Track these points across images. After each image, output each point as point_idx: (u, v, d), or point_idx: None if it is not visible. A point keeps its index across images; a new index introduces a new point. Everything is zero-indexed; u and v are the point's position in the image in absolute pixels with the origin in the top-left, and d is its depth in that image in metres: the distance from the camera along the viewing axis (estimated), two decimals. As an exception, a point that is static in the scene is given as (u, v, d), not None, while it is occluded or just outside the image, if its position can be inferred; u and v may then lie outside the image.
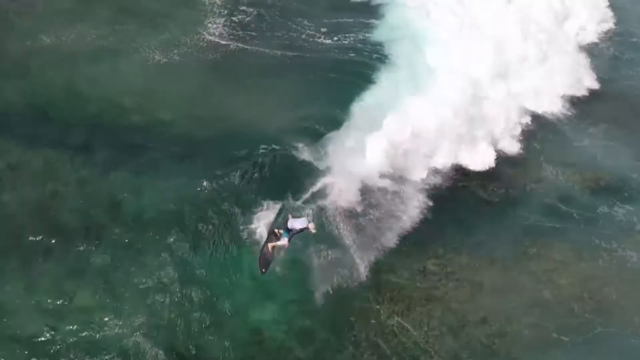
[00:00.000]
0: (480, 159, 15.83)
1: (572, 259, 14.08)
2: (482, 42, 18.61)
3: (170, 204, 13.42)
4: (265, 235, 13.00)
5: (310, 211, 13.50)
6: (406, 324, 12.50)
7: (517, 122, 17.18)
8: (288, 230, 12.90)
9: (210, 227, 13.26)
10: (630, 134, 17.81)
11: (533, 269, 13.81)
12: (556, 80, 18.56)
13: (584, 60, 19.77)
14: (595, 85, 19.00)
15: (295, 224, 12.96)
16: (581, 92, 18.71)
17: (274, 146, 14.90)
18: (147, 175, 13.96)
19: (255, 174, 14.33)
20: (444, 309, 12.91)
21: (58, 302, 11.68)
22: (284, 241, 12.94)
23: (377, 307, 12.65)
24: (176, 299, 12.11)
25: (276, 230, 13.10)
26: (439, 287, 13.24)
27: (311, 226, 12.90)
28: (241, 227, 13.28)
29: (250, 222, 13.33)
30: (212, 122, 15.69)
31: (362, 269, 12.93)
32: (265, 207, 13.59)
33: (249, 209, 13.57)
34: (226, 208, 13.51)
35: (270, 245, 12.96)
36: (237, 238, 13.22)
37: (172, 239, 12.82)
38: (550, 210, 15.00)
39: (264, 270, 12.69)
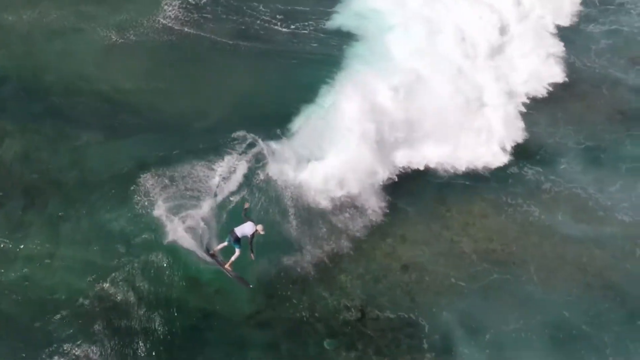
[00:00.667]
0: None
1: (487, 214, 15.78)
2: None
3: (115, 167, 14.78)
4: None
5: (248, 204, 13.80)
6: (334, 272, 14.03)
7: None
8: (238, 240, 12.80)
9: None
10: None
11: (452, 224, 15.53)
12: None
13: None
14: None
15: (245, 230, 12.75)
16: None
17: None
18: (97, 141, 15.23)
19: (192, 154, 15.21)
20: (369, 259, 14.49)
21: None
22: (236, 253, 12.91)
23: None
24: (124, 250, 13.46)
25: (215, 250, 13.30)
26: (366, 241, 14.78)
27: (259, 228, 12.72)
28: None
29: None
30: (159, 102, 16.84)
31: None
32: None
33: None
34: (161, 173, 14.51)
35: (227, 267, 13.05)
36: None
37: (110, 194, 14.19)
38: (470, 173, 16.72)
39: (250, 285, 13.11)
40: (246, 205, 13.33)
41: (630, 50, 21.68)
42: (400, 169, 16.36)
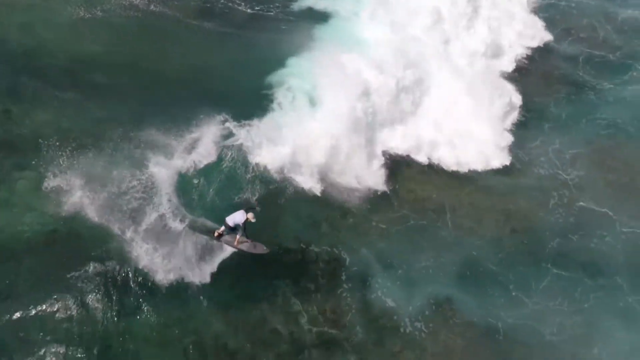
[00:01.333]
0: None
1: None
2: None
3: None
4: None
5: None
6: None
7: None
8: (232, 229, 13.19)
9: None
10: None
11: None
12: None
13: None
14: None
15: (236, 218, 13.12)
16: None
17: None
18: (67, 106, 15.87)
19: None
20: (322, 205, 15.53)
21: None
22: (237, 235, 13.31)
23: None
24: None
25: (217, 232, 13.47)
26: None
27: (250, 216, 13.09)
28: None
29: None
30: (121, 73, 17.23)
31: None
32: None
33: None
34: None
35: (236, 245, 13.43)
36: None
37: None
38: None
39: (264, 248, 13.52)
40: (252, 219, 13.26)
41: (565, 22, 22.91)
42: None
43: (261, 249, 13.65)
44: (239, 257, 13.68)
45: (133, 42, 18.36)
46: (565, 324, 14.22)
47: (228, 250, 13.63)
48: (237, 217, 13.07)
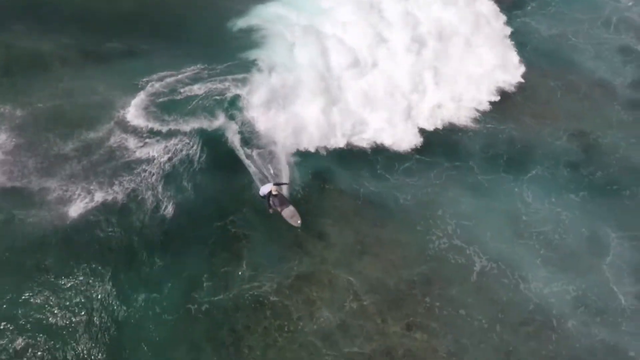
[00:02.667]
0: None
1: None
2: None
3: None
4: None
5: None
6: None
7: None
8: (263, 197, 15.42)
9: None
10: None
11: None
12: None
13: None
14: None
15: (264, 190, 15.39)
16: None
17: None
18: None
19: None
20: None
21: None
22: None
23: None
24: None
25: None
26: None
27: (273, 188, 15.22)
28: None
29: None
30: None
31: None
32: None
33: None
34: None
35: (279, 209, 15.37)
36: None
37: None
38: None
39: (298, 222, 15.26)
40: (274, 192, 15.35)
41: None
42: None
43: (295, 221, 15.35)
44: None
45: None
46: (417, 194, 17.75)
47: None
48: (265, 189, 15.39)
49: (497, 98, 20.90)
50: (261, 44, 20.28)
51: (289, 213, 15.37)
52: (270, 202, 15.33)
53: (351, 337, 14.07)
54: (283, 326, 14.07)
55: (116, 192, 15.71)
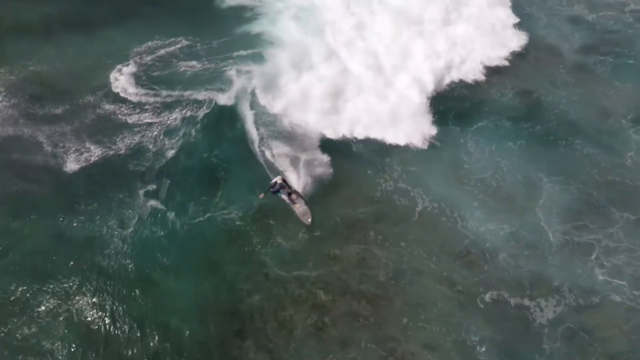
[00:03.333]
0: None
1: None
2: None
3: None
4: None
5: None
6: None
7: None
8: (277, 191, 16.35)
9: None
10: None
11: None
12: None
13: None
14: None
15: (272, 182, 16.31)
16: None
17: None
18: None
19: None
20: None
21: None
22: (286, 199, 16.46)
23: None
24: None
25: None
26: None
27: (278, 179, 16.27)
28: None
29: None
30: None
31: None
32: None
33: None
34: None
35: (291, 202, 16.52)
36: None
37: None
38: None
39: (309, 220, 16.21)
40: (279, 180, 16.44)
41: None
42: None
43: (306, 219, 16.36)
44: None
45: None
46: (370, 143, 19.35)
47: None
48: (273, 180, 16.35)
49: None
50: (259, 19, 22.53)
51: (302, 211, 16.47)
52: (283, 195, 16.43)
53: (301, 262, 15.56)
54: (243, 246, 15.97)
55: (108, 147, 18.05)
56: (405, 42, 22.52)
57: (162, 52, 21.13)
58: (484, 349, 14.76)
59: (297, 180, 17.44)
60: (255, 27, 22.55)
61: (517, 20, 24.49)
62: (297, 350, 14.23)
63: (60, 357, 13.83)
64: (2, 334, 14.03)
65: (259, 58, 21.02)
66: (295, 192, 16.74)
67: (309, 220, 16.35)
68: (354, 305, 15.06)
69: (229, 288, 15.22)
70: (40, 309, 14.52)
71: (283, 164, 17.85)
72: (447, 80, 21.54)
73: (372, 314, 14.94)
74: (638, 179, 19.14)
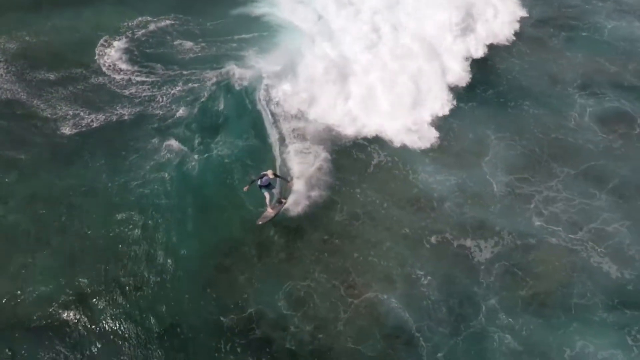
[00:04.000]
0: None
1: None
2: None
3: None
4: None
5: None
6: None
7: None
8: (265, 187, 16.09)
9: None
10: None
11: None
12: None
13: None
14: None
15: (263, 180, 15.93)
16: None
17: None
18: None
19: None
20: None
21: None
22: (267, 196, 16.32)
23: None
24: None
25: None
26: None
27: (269, 172, 16.04)
28: None
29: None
30: None
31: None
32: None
33: None
34: None
35: (269, 210, 16.45)
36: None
37: None
38: None
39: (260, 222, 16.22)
40: (271, 175, 16.19)
41: None
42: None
43: (262, 219, 16.34)
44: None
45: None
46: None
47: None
48: (264, 178, 15.97)
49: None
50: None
51: (268, 214, 16.51)
52: (266, 193, 16.31)
53: (260, 202, 17.21)
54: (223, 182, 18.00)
55: (110, 114, 19.42)
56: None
57: (152, 27, 22.59)
58: (426, 281, 16.50)
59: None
60: (253, 10, 23.90)
61: (482, -6, 26.07)
62: (259, 280, 15.94)
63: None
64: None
65: (260, 41, 22.23)
66: (283, 200, 16.99)
67: (260, 222, 16.44)
68: (310, 242, 16.80)
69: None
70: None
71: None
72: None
73: (326, 249, 16.69)
74: (580, 137, 20.88)
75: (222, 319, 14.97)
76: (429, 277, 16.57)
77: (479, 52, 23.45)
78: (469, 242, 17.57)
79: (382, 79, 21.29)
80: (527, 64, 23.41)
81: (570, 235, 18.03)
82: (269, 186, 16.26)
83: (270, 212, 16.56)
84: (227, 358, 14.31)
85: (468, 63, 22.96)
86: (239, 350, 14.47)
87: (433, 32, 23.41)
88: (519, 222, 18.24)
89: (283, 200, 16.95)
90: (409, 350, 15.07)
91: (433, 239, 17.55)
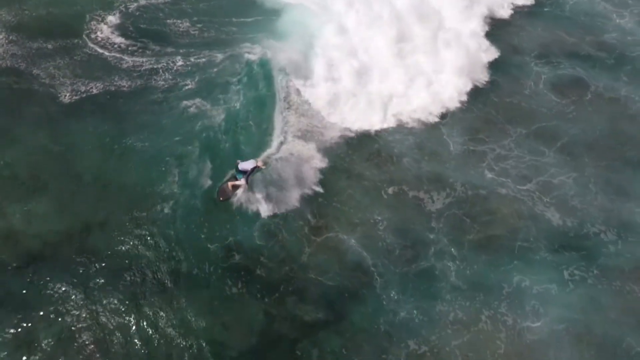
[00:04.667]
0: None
1: None
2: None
3: None
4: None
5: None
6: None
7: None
8: (242, 172, 15.73)
9: None
10: None
11: None
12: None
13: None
14: None
15: (246, 165, 15.60)
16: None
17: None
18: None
19: None
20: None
21: None
22: (241, 181, 15.73)
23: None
24: None
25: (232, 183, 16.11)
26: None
27: (260, 163, 15.83)
28: None
29: None
30: None
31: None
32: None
33: None
34: None
35: (229, 184, 15.97)
36: None
37: None
38: None
39: (221, 199, 15.91)
40: (262, 166, 16.34)
41: None
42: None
43: (223, 194, 16.12)
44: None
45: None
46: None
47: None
48: (249, 163, 15.71)
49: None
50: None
51: (229, 190, 16.26)
52: (242, 178, 15.98)
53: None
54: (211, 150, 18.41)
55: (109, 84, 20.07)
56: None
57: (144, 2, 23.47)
58: (383, 226, 18.11)
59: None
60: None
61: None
62: (240, 213, 17.07)
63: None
64: None
65: (263, 25, 22.89)
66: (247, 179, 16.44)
67: (221, 199, 16.32)
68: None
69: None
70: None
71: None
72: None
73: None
74: (534, 102, 22.51)
75: (209, 245, 16.33)
76: (385, 222, 18.18)
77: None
78: (422, 194, 19.19)
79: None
80: (489, 37, 25.01)
81: (518, 187, 19.65)
82: (246, 173, 16.09)
83: (230, 187, 16.41)
84: (211, 278, 15.78)
85: (434, 37, 24.56)
86: (219, 271, 15.90)
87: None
88: (472, 175, 19.87)
89: (246, 185, 16.62)
90: (364, 282, 16.69)
91: (390, 190, 19.18)
